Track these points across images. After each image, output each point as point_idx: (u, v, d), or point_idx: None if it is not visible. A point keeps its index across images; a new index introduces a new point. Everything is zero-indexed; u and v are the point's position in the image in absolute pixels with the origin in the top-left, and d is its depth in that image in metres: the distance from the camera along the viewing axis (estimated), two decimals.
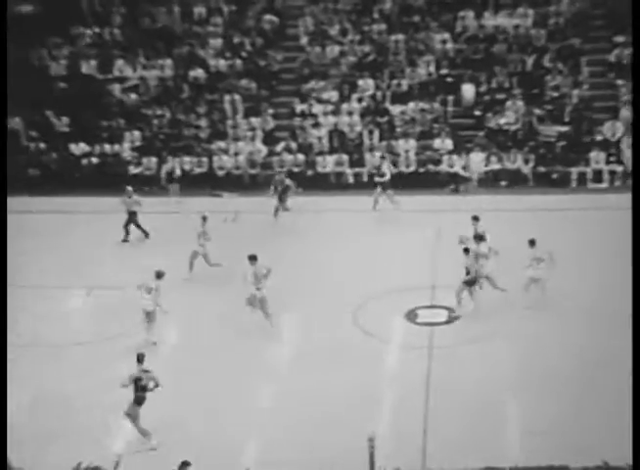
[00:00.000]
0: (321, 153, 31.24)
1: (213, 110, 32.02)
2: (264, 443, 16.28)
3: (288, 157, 31.01)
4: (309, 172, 30.75)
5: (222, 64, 33.11)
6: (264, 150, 31.30)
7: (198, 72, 32.83)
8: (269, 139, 31.64)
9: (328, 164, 30.88)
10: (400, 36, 33.55)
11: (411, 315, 20.99)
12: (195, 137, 31.39)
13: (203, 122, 31.70)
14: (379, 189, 26.70)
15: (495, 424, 16.34)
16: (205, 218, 22.84)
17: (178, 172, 29.27)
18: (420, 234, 24.21)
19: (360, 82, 32.60)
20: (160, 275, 19.89)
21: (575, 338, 19.00)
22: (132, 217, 25.30)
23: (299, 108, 32.23)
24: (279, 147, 31.30)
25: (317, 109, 32.09)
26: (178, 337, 20.33)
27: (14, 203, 27.54)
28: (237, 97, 32.19)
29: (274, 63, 33.54)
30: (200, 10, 34.54)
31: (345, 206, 27.44)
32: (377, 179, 26.85)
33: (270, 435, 16.42)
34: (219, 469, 15.04)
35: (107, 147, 31.05)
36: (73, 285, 22.66)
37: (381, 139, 31.41)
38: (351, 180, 30.42)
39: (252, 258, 20.32)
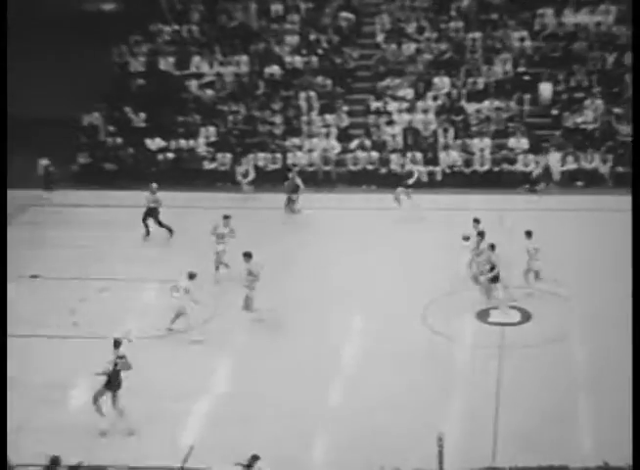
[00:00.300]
0: (395, 150, 30.94)
1: (288, 106, 32.07)
2: (332, 440, 16.33)
3: (361, 154, 30.76)
4: (383, 170, 30.54)
5: (298, 61, 33.18)
6: (338, 147, 31.12)
7: (273, 69, 32.93)
8: (343, 136, 31.48)
9: (401, 161, 30.59)
10: (477, 34, 33.19)
11: (482, 315, 20.73)
12: (269, 133, 31.43)
13: (277, 119, 31.77)
14: (400, 187, 26.42)
15: (565, 423, 16.38)
16: (227, 218, 22.52)
17: (253, 174, 29.16)
18: (491, 233, 23.62)
19: (436, 80, 32.34)
20: (192, 276, 19.88)
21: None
22: (153, 214, 25.05)
23: (374, 105, 32.09)
24: (353, 144, 31.10)
25: (392, 106, 31.93)
26: (242, 336, 20.50)
27: (91, 196, 28.31)
28: (312, 94, 32.20)
29: (350, 60, 33.43)
30: (276, 7, 34.51)
31: (418, 204, 27.14)
32: (410, 181, 26.60)
33: (338, 433, 16.51)
34: (287, 465, 15.18)
35: (182, 142, 31.17)
36: (146, 278, 22.93)
37: (455, 137, 31.07)
38: (425, 179, 30.08)
39: (247, 256, 20.10)
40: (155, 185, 25.42)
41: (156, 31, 34.04)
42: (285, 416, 17.06)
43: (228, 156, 30.80)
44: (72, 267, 23.75)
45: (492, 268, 20.57)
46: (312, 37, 33.82)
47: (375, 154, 30.84)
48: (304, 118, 31.75)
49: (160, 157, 30.93)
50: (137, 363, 18.60)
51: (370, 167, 30.58)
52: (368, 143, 31.14)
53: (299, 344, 19.68)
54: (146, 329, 20.40)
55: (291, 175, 27.10)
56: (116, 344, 16.98)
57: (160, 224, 25.30)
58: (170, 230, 25.30)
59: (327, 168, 30.76)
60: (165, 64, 33.26)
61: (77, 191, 28.77)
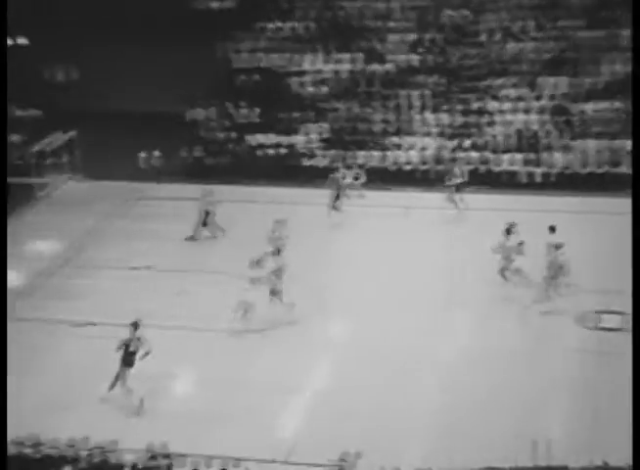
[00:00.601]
0: (497, 151, 30.64)
1: (399, 104, 31.69)
2: (429, 441, 16.48)
3: (474, 154, 30.49)
4: (484, 170, 30.22)
5: (405, 59, 32.81)
6: (450, 146, 30.87)
7: (380, 67, 32.60)
8: (446, 135, 31.23)
9: (503, 162, 30.18)
10: (590, 33, 32.40)
11: (585, 319, 20.71)
12: (372, 131, 31.01)
13: (381, 117, 31.47)
14: (453, 190, 26.05)
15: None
16: (279, 222, 22.46)
17: (364, 178, 27.75)
18: (596, 237, 23.66)
19: (546, 80, 31.70)
20: (258, 263, 20.06)
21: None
22: (207, 216, 24.67)
23: (478, 105, 31.69)
24: (465, 143, 30.80)
25: (495, 106, 31.52)
26: (338, 332, 20.58)
27: (192, 191, 27.56)
28: (417, 92, 31.89)
29: (463, 58, 32.97)
30: (386, 4, 34.16)
31: (517, 205, 26.71)
32: (450, 182, 26.34)
33: (436, 434, 16.65)
34: (383, 459, 15.29)
35: (287, 139, 30.84)
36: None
37: (562, 138, 30.52)
38: (525, 180, 29.79)
39: (276, 253, 20.45)
40: (209, 188, 25.16)
41: (262, 28, 33.95)
42: (381, 412, 17.22)
43: (332, 153, 30.60)
44: (178, 260, 23.78)
45: (560, 268, 20.26)
46: (426, 35, 33.26)
47: (488, 154, 30.35)
48: (417, 117, 31.40)
49: (264, 152, 30.70)
50: (236, 356, 19.13)
51: (483, 168, 30.03)
52: (480, 142, 30.63)
53: (394, 341, 19.79)
54: (244, 323, 20.41)
55: (336, 175, 26.30)
56: (135, 326, 17.40)
57: (204, 225, 24.88)
58: (194, 238, 24.85)
59: (439, 168, 30.24)
60: (270, 60, 33.06)
61: (185, 185, 28.71)
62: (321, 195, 26.56)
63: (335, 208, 25.80)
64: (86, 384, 18.15)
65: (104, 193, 28.32)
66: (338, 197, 25.96)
